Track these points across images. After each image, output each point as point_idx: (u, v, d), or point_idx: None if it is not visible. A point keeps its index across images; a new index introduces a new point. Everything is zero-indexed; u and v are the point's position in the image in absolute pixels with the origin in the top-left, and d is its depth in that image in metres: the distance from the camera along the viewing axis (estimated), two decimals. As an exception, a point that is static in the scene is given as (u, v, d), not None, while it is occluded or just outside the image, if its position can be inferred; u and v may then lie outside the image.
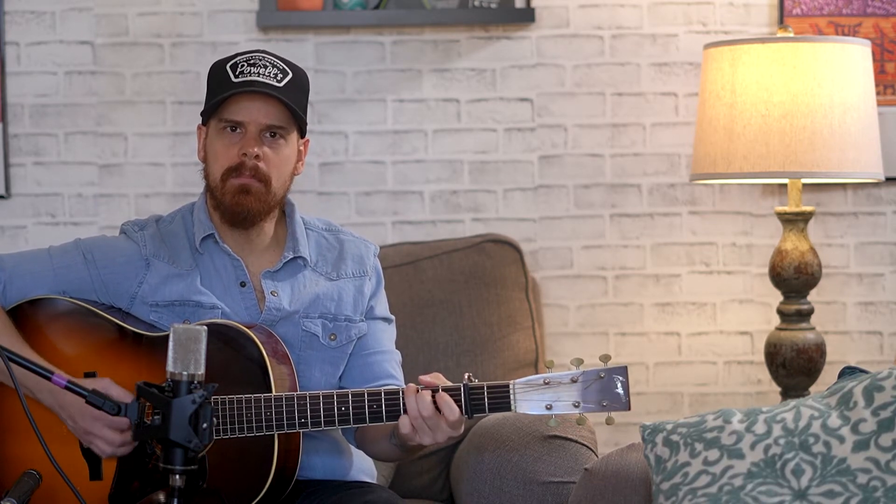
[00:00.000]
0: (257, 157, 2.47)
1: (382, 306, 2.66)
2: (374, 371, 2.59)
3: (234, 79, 2.46)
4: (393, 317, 2.69)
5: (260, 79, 2.46)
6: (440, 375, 2.37)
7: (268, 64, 2.49)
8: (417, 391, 2.33)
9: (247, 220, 2.51)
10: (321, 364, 2.56)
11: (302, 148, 2.58)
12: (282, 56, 2.54)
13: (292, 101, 2.48)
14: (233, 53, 2.54)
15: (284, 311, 2.53)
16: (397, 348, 2.68)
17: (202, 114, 2.55)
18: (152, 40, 3.55)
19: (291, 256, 2.58)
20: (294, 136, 2.54)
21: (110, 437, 2.34)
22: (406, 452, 2.52)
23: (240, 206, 2.49)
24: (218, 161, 2.50)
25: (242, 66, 2.48)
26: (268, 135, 2.49)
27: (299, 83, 2.51)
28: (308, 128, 2.57)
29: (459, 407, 2.32)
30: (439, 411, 2.32)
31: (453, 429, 2.33)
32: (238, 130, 2.49)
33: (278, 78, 2.48)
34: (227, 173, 2.48)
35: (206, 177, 2.54)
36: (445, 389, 2.33)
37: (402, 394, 2.35)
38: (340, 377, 2.60)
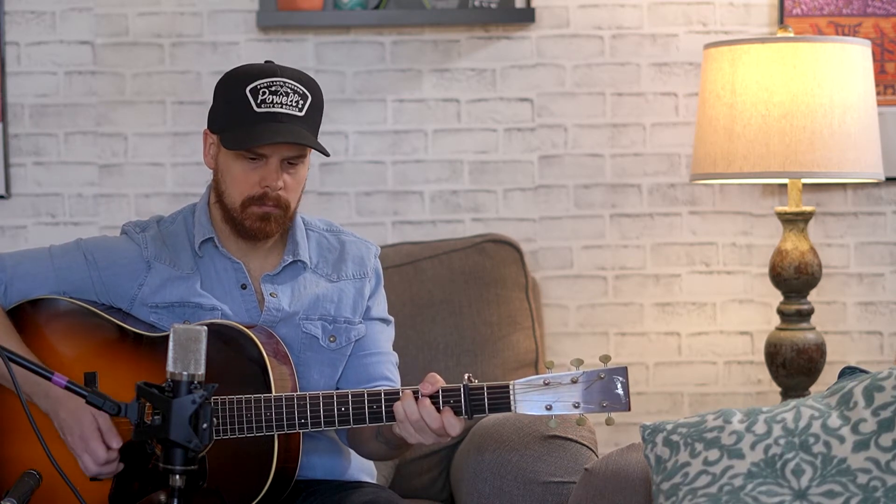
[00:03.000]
0: (280, 187, 2.47)
1: (380, 307, 2.66)
2: (369, 372, 2.58)
3: (255, 108, 2.44)
4: (392, 318, 2.68)
5: (283, 110, 2.44)
6: (436, 376, 2.36)
7: (289, 91, 2.46)
8: (416, 397, 2.33)
9: (264, 239, 2.52)
10: (320, 366, 2.56)
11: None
12: (295, 69, 2.51)
13: (313, 127, 2.48)
14: (249, 68, 2.49)
15: (284, 311, 2.53)
16: (397, 348, 2.68)
17: (212, 123, 2.53)
18: (152, 40, 3.55)
19: (291, 260, 2.57)
20: (309, 154, 2.53)
21: (96, 458, 2.36)
22: (394, 450, 2.52)
23: (261, 232, 2.50)
24: (237, 186, 2.49)
25: (264, 93, 2.44)
26: (288, 162, 2.48)
27: (317, 104, 2.50)
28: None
29: (458, 411, 2.32)
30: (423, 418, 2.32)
31: (439, 435, 2.33)
32: (258, 159, 2.48)
33: (300, 105, 2.46)
34: (248, 201, 2.48)
35: (220, 193, 2.52)
36: (445, 390, 2.32)
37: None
38: (338, 379, 2.59)
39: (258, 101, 2.44)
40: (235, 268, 2.55)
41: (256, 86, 2.46)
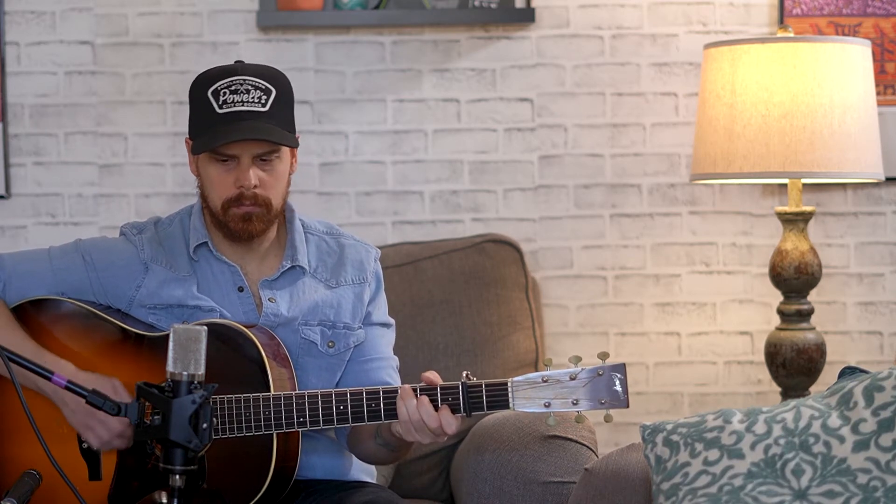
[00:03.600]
0: (254, 185, 2.47)
1: (380, 311, 2.65)
2: (370, 378, 2.57)
3: (218, 109, 2.43)
4: (392, 321, 2.67)
5: (245, 108, 2.43)
6: (436, 374, 2.37)
7: (250, 87, 2.45)
8: (415, 392, 2.33)
9: (251, 239, 2.52)
10: (318, 371, 2.55)
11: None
12: (259, 64, 2.50)
13: (280, 121, 2.46)
14: (213, 71, 2.49)
15: (283, 317, 2.53)
16: (397, 349, 2.68)
17: (189, 130, 2.53)
18: (152, 40, 3.55)
19: (290, 265, 2.57)
20: (285, 149, 2.52)
21: (109, 428, 2.35)
22: (393, 452, 2.52)
23: (245, 232, 2.50)
24: (215, 190, 2.49)
25: (225, 93, 2.44)
26: (260, 159, 2.48)
27: (283, 97, 2.48)
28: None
29: (456, 409, 2.32)
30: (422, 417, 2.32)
31: (436, 434, 2.33)
32: (229, 161, 2.48)
33: (262, 101, 2.44)
34: (227, 203, 2.48)
35: (205, 198, 2.53)
36: (444, 388, 2.32)
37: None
38: (337, 384, 2.59)
39: (220, 102, 2.44)
40: (232, 271, 2.55)
41: (217, 87, 2.46)
